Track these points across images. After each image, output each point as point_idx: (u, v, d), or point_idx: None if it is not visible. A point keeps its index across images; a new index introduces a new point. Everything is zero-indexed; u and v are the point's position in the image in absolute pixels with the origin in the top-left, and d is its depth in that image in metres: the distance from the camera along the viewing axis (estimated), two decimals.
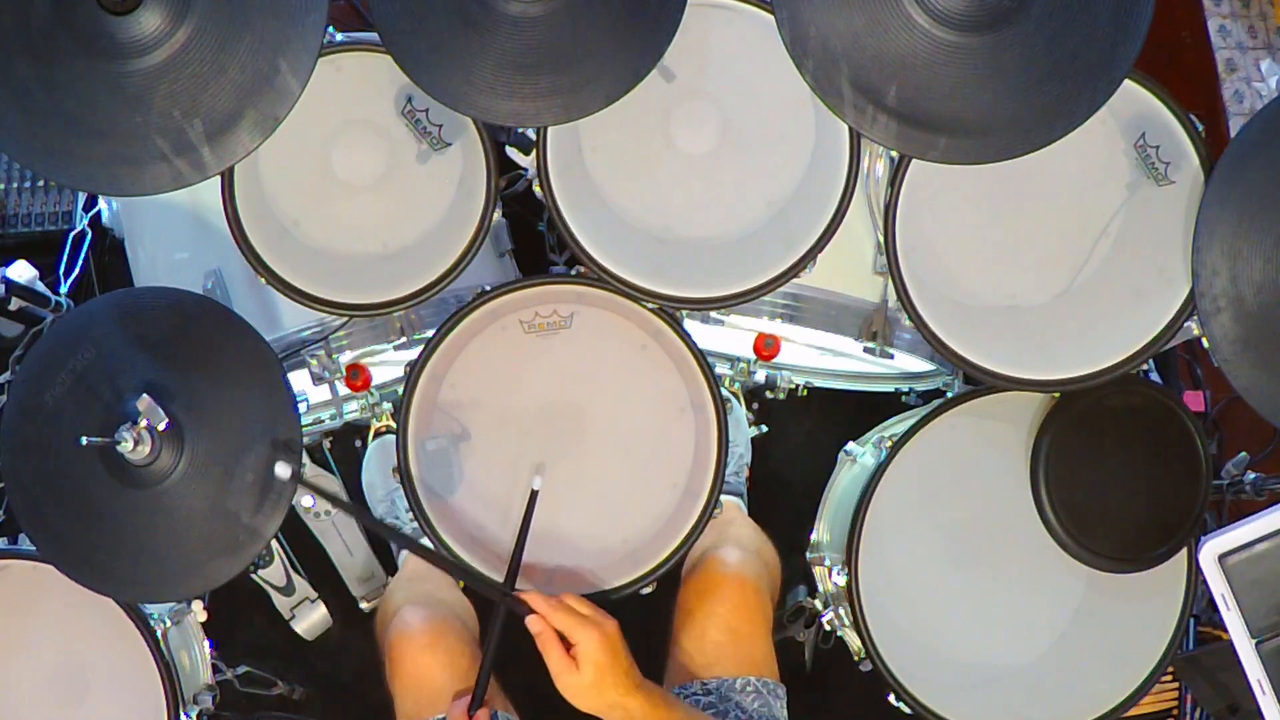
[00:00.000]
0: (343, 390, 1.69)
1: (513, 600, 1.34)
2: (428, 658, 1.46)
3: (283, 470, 1.28)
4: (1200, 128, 1.48)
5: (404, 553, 1.91)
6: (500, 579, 1.53)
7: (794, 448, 2.12)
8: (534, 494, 1.45)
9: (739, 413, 2.00)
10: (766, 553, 1.63)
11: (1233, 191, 1.39)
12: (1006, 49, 1.32)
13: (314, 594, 1.98)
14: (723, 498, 1.58)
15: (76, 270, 2.05)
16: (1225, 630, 1.44)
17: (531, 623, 1.30)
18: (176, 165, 1.31)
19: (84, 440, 1.24)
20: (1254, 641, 1.43)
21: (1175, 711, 1.96)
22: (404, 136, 1.57)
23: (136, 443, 1.26)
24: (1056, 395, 1.59)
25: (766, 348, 1.71)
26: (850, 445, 1.79)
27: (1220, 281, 1.39)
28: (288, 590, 1.96)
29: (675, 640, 1.55)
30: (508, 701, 1.52)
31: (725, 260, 1.56)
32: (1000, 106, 1.34)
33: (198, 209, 1.65)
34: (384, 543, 2.01)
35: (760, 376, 1.90)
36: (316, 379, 1.65)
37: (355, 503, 2.00)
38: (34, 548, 1.38)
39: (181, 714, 1.46)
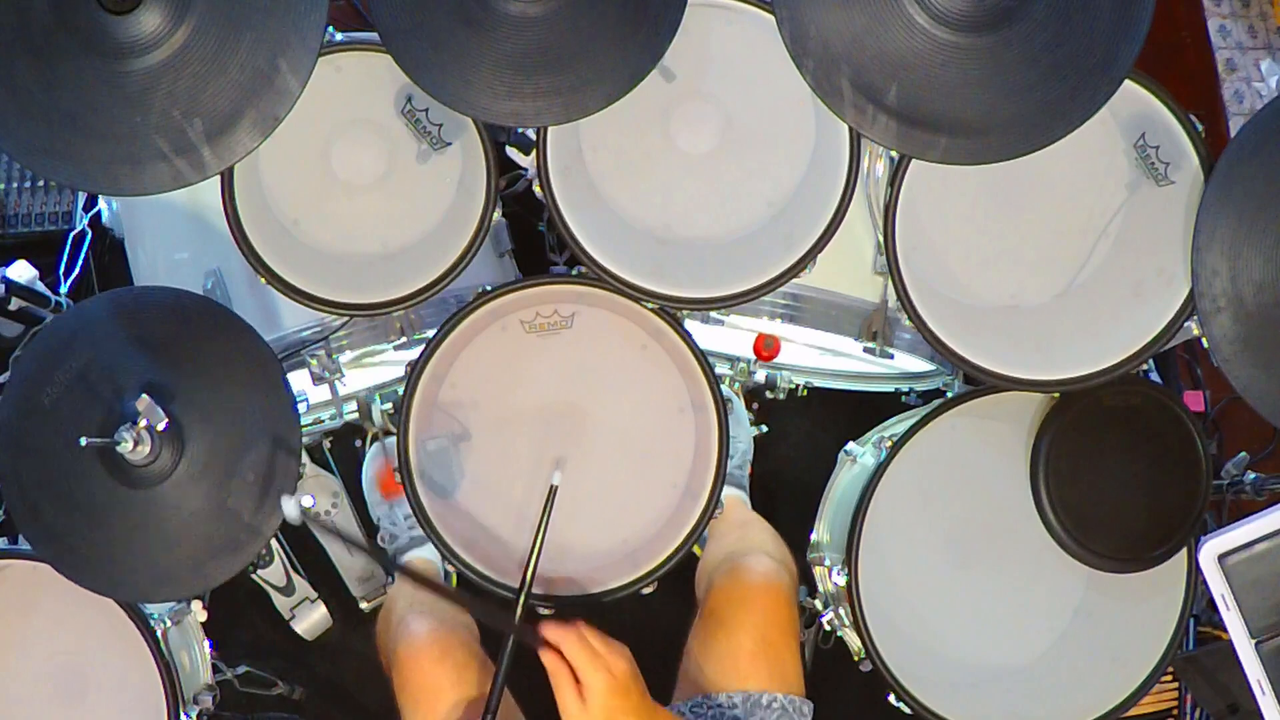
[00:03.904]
0: (343, 390, 1.69)
1: (525, 631, 1.29)
2: (436, 670, 1.45)
3: (290, 508, 1.26)
4: (1200, 128, 1.48)
5: (406, 557, 1.90)
6: (504, 580, 1.52)
7: (794, 448, 2.12)
8: (553, 491, 1.40)
9: (740, 407, 2.00)
10: (790, 562, 1.62)
11: (1233, 191, 1.39)
12: (1006, 49, 1.32)
13: (314, 594, 1.98)
14: (725, 489, 1.58)
15: (76, 270, 2.05)
16: (1225, 630, 1.44)
17: (545, 657, 1.26)
18: (176, 165, 1.31)
19: (83, 440, 1.24)
20: (1254, 641, 1.43)
21: (1175, 711, 1.96)
22: (404, 136, 1.57)
23: (136, 443, 1.26)
24: (1056, 395, 1.59)
25: (766, 348, 1.71)
26: (850, 445, 1.79)
27: (1220, 281, 1.39)
28: (288, 590, 1.96)
29: (702, 647, 1.53)
30: (519, 710, 1.52)
31: (725, 260, 1.56)
32: (1000, 106, 1.34)
33: (198, 209, 1.65)
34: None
35: (760, 376, 1.90)
36: (316, 379, 1.65)
37: (355, 500, 2.00)
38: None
39: (181, 714, 1.46)
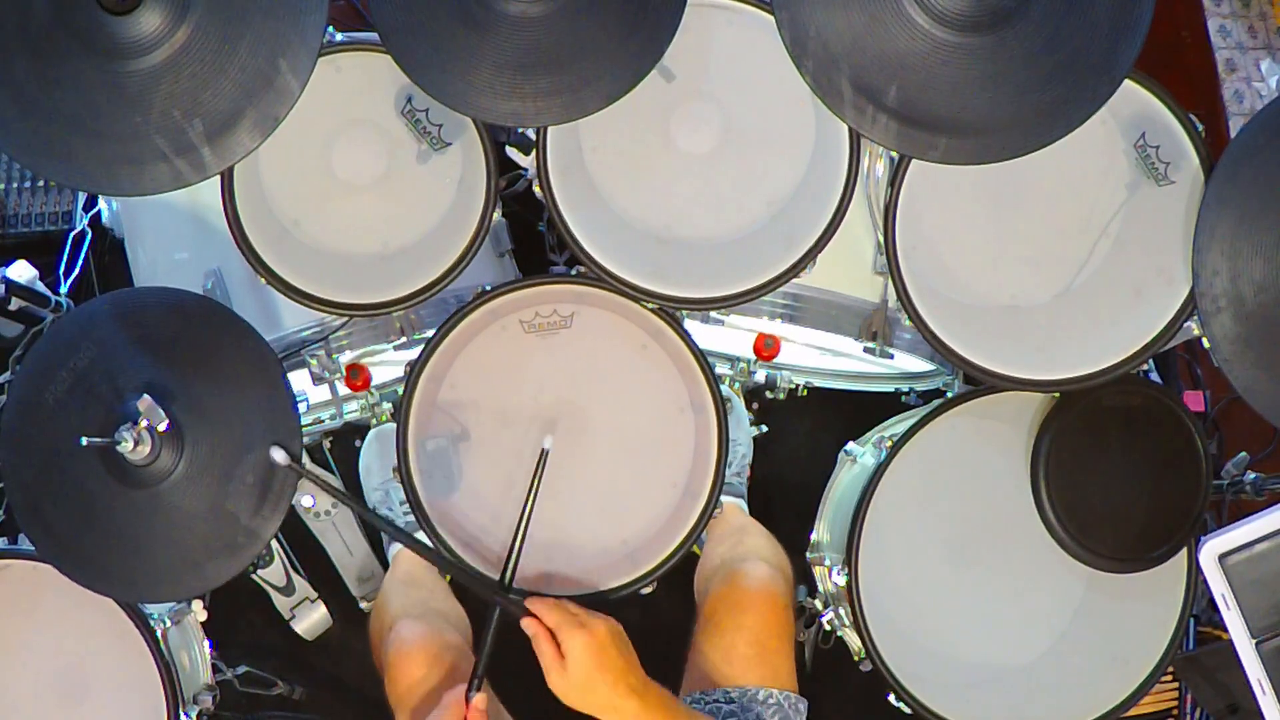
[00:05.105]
0: (343, 390, 1.69)
1: (509, 601, 1.36)
2: (427, 676, 1.46)
3: (279, 455, 1.30)
4: (1200, 128, 1.48)
5: (396, 552, 1.90)
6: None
7: (794, 448, 2.12)
8: (544, 454, 1.44)
9: (740, 410, 2.00)
10: (786, 568, 1.63)
11: (1233, 191, 1.39)
12: (1006, 49, 1.32)
13: (314, 594, 1.98)
14: (723, 498, 1.58)
15: (76, 270, 2.05)
16: (1225, 630, 1.44)
17: (526, 624, 1.33)
18: (176, 165, 1.31)
19: (84, 440, 1.24)
20: (1254, 641, 1.43)
21: (1175, 711, 1.96)
22: (404, 136, 1.57)
23: (136, 443, 1.26)
24: (1056, 395, 1.59)
25: (767, 348, 1.72)
26: (850, 445, 1.79)
27: (1220, 281, 1.39)
28: (288, 590, 1.96)
29: (699, 649, 1.54)
30: (501, 707, 1.52)
31: (725, 260, 1.56)
32: (1000, 106, 1.34)
33: (198, 209, 1.65)
34: (383, 542, 2.01)
35: (760, 376, 1.90)
36: (316, 379, 1.65)
37: (352, 494, 2.00)
38: (33, 547, 1.38)
39: (181, 714, 1.46)
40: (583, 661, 1.28)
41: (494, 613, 1.38)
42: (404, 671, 1.47)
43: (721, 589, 1.56)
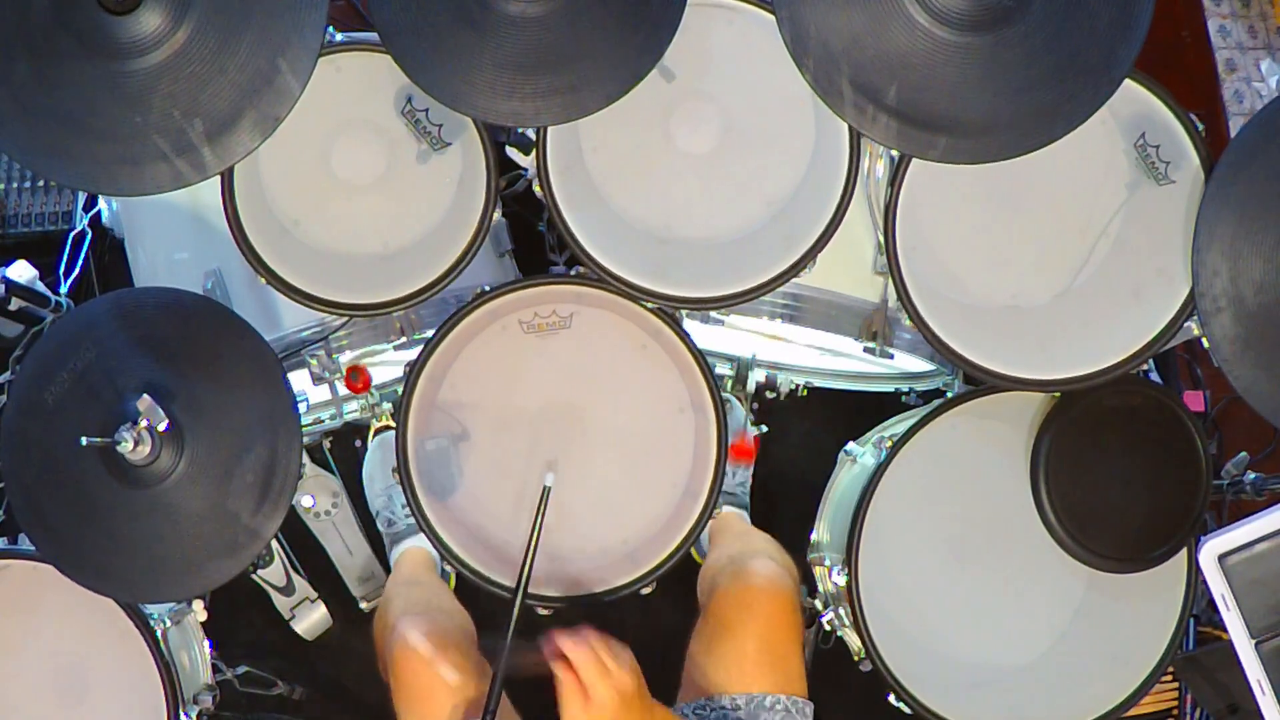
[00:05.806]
0: (343, 390, 1.69)
1: (536, 644, 1.32)
2: (431, 671, 1.45)
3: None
4: (1200, 128, 1.48)
5: (397, 553, 1.90)
6: (502, 580, 1.52)
7: (794, 448, 2.12)
8: (546, 491, 1.42)
9: (739, 410, 2.00)
10: (793, 569, 1.63)
11: (1233, 191, 1.39)
12: (1007, 49, 1.32)
13: (314, 594, 1.98)
14: (725, 508, 1.57)
15: (76, 270, 2.05)
16: (1225, 630, 1.44)
17: (555, 666, 1.28)
18: (176, 165, 1.31)
19: (84, 440, 1.24)
20: (1254, 641, 1.43)
21: (1175, 711, 1.96)
22: (404, 136, 1.57)
23: (136, 443, 1.26)
24: (1056, 395, 1.59)
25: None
26: (850, 445, 1.79)
27: (1220, 281, 1.39)
28: (288, 590, 1.96)
29: (706, 650, 1.53)
30: (515, 713, 1.52)
31: (725, 260, 1.56)
32: (1000, 106, 1.34)
33: (198, 209, 1.65)
34: (384, 544, 2.01)
35: (760, 376, 1.90)
36: (316, 379, 1.65)
37: (354, 498, 2.00)
38: (34, 547, 1.38)
39: (181, 714, 1.46)
40: (607, 708, 1.26)
41: (506, 637, 1.35)
42: (407, 667, 1.47)
43: (729, 587, 1.55)
